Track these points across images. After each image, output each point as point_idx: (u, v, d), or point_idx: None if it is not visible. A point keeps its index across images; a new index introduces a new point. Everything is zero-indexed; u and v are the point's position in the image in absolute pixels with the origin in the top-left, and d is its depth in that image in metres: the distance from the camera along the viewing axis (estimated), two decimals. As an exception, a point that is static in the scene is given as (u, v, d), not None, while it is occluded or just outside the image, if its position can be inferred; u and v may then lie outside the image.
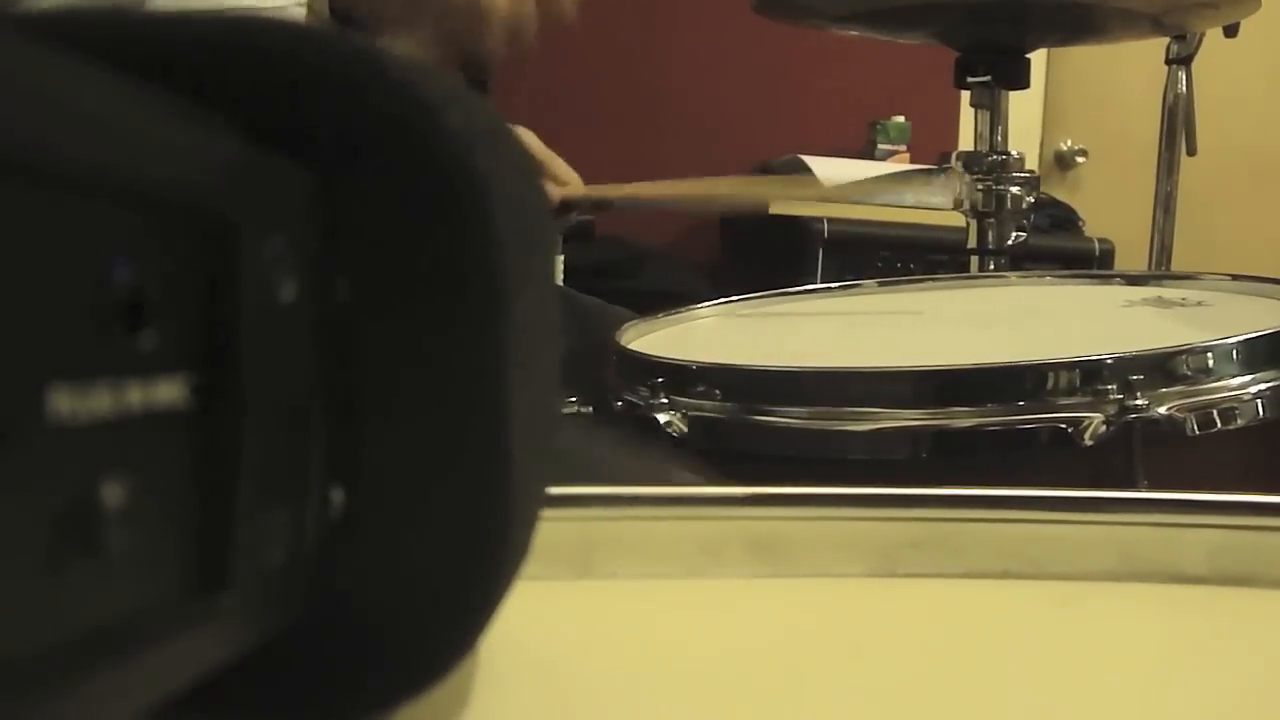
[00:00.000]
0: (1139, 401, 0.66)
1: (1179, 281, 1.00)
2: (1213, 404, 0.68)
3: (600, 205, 1.22)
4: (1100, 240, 2.29)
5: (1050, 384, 0.68)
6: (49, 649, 0.13)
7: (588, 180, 1.17)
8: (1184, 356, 0.69)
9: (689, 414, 0.74)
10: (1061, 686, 0.25)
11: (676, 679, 0.25)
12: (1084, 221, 2.42)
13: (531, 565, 0.22)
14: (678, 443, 0.73)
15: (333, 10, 0.86)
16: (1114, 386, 0.67)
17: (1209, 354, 0.69)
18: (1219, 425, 0.68)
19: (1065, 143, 2.76)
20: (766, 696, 0.24)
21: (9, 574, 0.12)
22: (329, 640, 0.20)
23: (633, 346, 0.85)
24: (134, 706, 0.15)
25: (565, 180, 1.13)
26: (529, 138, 1.10)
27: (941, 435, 0.69)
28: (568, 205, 1.13)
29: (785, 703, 0.24)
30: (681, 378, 0.76)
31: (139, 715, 0.15)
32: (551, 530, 0.25)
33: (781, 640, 0.28)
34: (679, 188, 1.18)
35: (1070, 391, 0.68)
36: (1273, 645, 0.28)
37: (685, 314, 1.01)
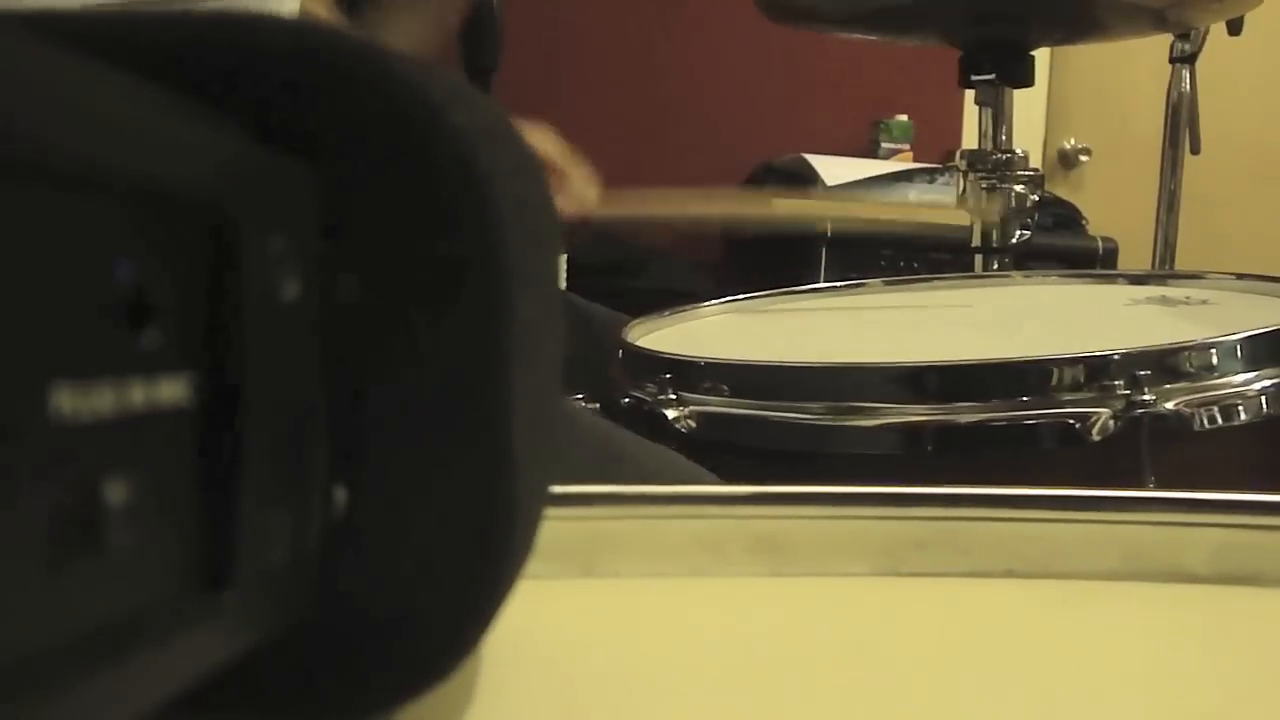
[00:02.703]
0: (1146, 397, 0.66)
1: (1183, 280, 1.00)
2: (1218, 400, 0.68)
3: (624, 223, 1.18)
4: (1104, 239, 2.29)
5: (1056, 380, 0.68)
6: (50, 648, 0.13)
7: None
8: (1189, 352, 0.69)
9: (696, 410, 0.74)
10: (1065, 685, 0.25)
11: (679, 678, 0.25)
12: (1087, 220, 2.42)
13: (534, 564, 0.22)
14: (685, 438, 0.73)
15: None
16: (1120, 382, 0.67)
17: (1213, 350, 0.69)
18: (1225, 421, 0.68)
19: (1069, 141, 2.76)
20: (770, 696, 0.24)
21: (10, 572, 0.12)
22: (331, 640, 0.20)
23: (640, 343, 0.85)
24: (135, 706, 0.15)
25: (582, 195, 1.09)
26: (547, 140, 1.04)
27: (947, 431, 0.69)
28: (585, 224, 1.09)
29: (788, 702, 0.24)
30: (689, 374, 0.76)
31: (141, 715, 0.15)
32: (554, 529, 0.25)
33: (785, 639, 0.28)
34: (688, 202, 1.15)
35: (1076, 387, 0.68)
36: (1276, 644, 0.28)
37: (691, 311, 1.01)
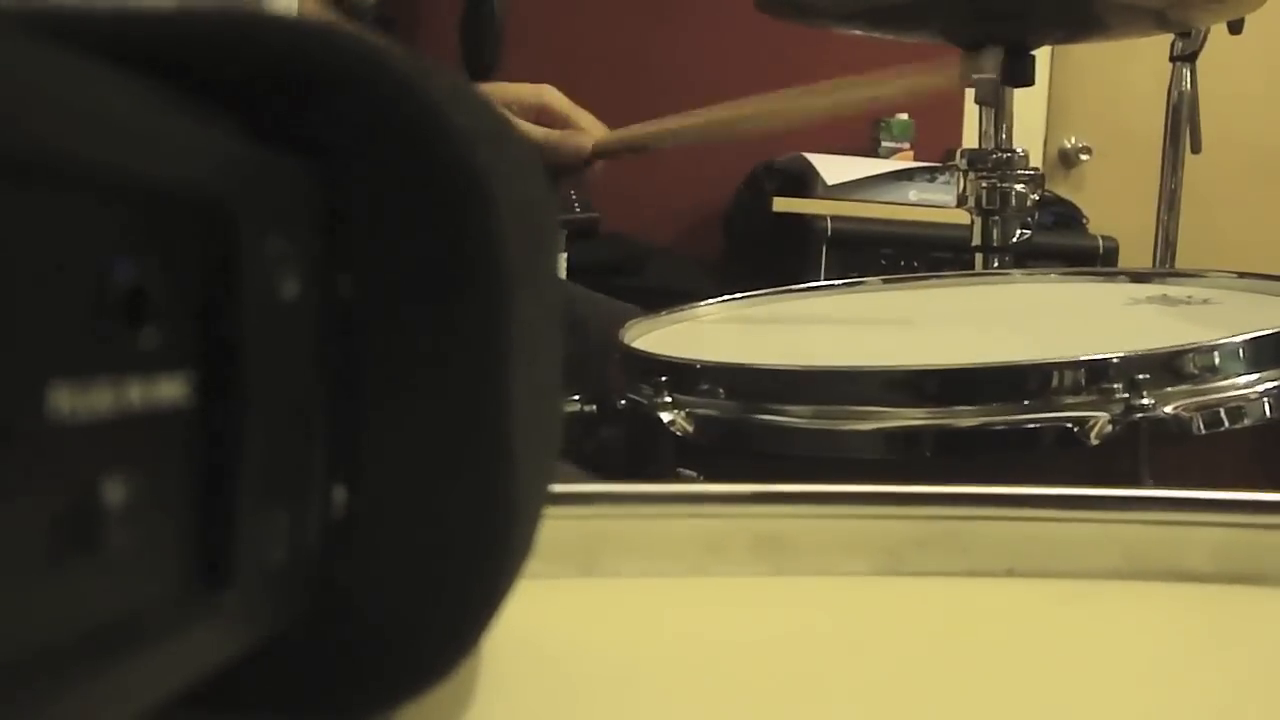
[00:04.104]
0: (1145, 401, 0.66)
1: (1184, 279, 1.00)
2: (1219, 403, 0.68)
3: (634, 149, 1.20)
4: (1104, 238, 2.29)
5: (1055, 383, 0.68)
6: (49, 648, 0.13)
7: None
8: (1190, 355, 0.69)
9: (693, 413, 0.73)
10: (1066, 685, 0.25)
11: (680, 677, 0.25)
12: (1088, 219, 2.42)
13: (534, 563, 0.22)
14: (681, 442, 0.73)
15: (336, 8, 0.86)
16: (1119, 385, 0.67)
17: (1215, 353, 0.69)
18: (1226, 424, 0.68)
19: (1069, 140, 2.76)
20: (770, 695, 0.24)
21: (9, 573, 0.12)
22: (331, 639, 0.20)
23: (636, 345, 0.85)
24: (135, 706, 0.15)
25: (592, 130, 1.12)
26: (553, 94, 1.09)
27: (946, 434, 0.69)
28: (600, 153, 1.11)
29: (789, 701, 0.24)
30: (685, 376, 0.76)
31: (140, 714, 0.15)
32: (554, 528, 0.25)
33: (785, 638, 0.28)
34: (711, 114, 1.17)
35: (1076, 390, 0.68)
36: (1277, 643, 0.28)
37: (689, 312, 1.01)
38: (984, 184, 1.21)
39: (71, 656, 0.13)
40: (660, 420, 0.73)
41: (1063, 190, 2.58)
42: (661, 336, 0.92)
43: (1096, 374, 0.68)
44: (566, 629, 0.28)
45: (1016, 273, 1.15)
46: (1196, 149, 1.63)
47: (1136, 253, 2.05)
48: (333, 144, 0.19)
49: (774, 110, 1.11)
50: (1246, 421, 0.68)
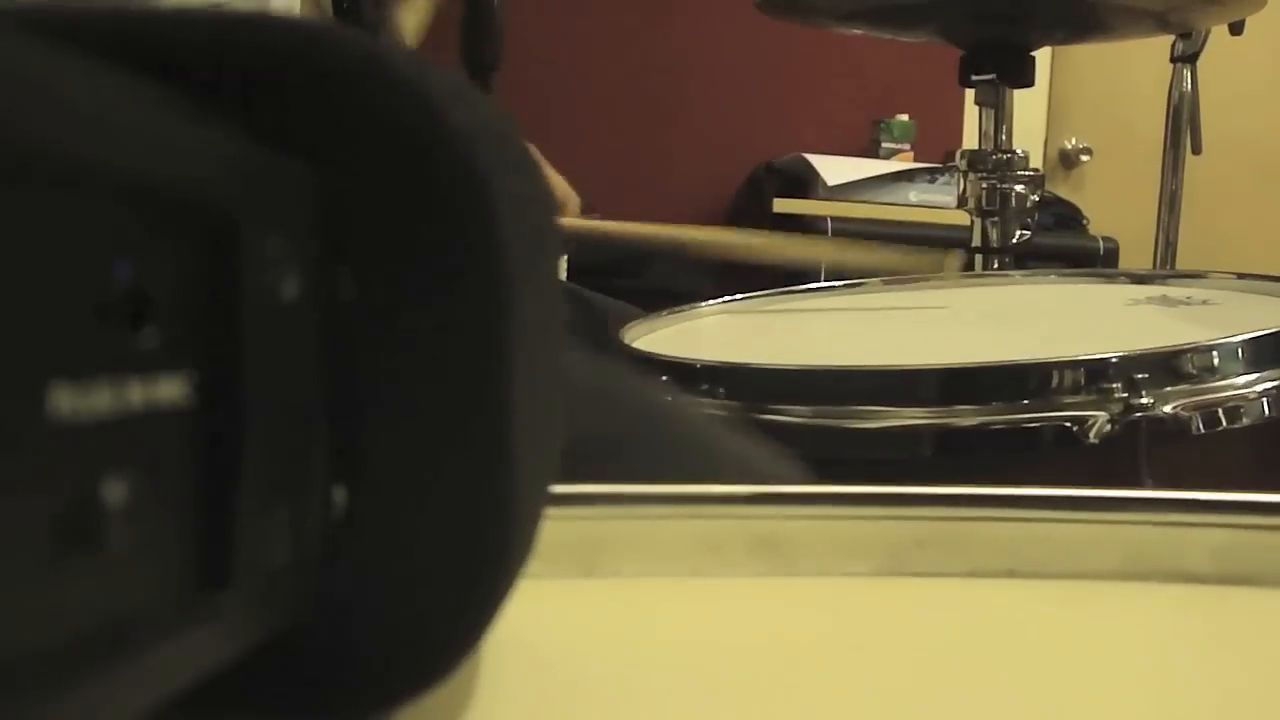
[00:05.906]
0: (1144, 400, 0.66)
1: (1184, 280, 1.00)
2: (1218, 403, 0.68)
3: (592, 241, 1.18)
4: (1105, 238, 2.29)
5: (1055, 383, 0.68)
6: (49, 649, 0.13)
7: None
8: (1189, 355, 0.69)
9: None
10: (1066, 686, 0.25)
11: (680, 678, 0.25)
12: (1088, 220, 2.42)
13: (534, 564, 0.22)
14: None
15: (336, 9, 0.86)
16: (1119, 385, 0.67)
17: (1214, 352, 0.69)
18: (1224, 424, 0.68)
19: (1070, 141, 2.76)
20: (770, 696, 0.24)
21: (9, 573, 0.12)
22: (330, 640, 0.20)
23: (637, 345, 0.85)
24: (134, 706, 0.15)
25: (566, 201, 1.10)
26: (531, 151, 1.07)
27: (946, 434, 0.69)
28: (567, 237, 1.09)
29: (789, 702, 0.24)
30: (686, 376, 0.76)
31: (140, 715, 0.15)
32: (555, 529, 0.25)
33: (785, 639, 0.28)
34: (678, 233, 1.16)
35: (1075, 390, 0.68)
36: (1277, 644, 0.28)
37: (690, 312, 1.01)
38: (984, 185, 1.21)
39: (71, 657, 0.13)
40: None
41: (1063, 191, 2.59)
42: (661, 337, 0.93)
43: (1095, 374, 0.68)
44: (566, 629, 0.28)
45: (1016, 274, 1.15)
46: (1197, 150, 1.63)
47: (1137, 253, 2.05)
48: (333, 144, 0.19)
49: (747, 244, 1.11)
50: (1245, 421, 0.69)
